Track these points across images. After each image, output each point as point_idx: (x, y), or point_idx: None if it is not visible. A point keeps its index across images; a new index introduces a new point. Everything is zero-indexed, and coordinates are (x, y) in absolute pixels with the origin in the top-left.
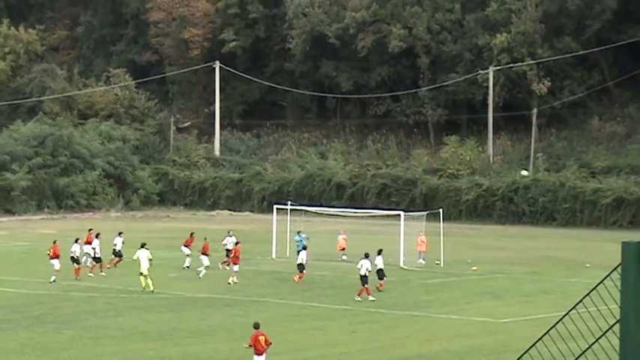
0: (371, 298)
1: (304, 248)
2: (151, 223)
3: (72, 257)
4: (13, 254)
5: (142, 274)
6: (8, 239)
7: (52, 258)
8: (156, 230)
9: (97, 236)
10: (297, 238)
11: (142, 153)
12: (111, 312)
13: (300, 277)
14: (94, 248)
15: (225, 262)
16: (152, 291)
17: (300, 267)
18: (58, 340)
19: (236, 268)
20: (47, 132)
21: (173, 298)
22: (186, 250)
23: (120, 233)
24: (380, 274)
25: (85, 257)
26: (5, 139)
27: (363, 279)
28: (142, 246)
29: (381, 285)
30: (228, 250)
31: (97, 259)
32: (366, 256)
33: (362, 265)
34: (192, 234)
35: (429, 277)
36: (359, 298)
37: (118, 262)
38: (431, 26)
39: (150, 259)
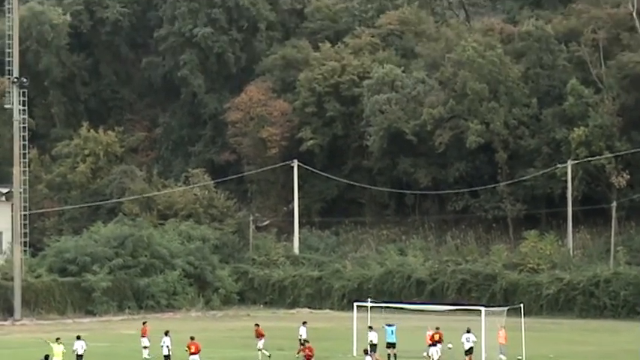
0: None
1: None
2: (231, 322)
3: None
4: (95, 355)
5: None
6: (89, 340)
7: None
8: (236, 329)
9: (166, 334)
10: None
11: (221, 252)
12: None
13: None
14: (168, 347)
15: (299, 351)
16: None
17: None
18: None
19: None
20: (127, 233)
21: None
22: (144, 341)
23: (166, 332)
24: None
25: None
26: (86, 241)
27: (469, 351)
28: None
29: None
30: (304, 340)
31: (166, 357)
32: (468, 331)
33: (468, 340)
34: (144, 323)
35: None
36: None
37: None
38: (508, 121)
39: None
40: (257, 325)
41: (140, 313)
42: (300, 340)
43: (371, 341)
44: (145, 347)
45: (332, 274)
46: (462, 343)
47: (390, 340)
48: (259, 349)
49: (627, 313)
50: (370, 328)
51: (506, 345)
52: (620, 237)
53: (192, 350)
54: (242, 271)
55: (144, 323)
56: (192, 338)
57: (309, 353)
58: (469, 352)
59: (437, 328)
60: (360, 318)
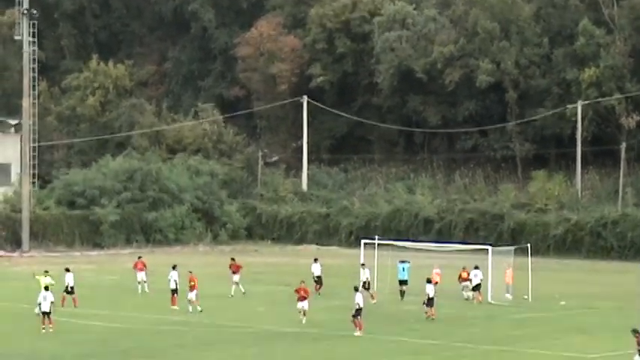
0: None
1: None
2: (239, 257)
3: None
4: (102, 288)
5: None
6: (97, 273)
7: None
8: (243, 264)
9: (174, 268)
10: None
11: (229, 187)
12: (200, 346)
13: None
14: (175, 280)
15: (316, 288)
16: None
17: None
18: None
19: (192, 295)
20: (136, 167)
21: (261, 332)
22: (140, 276)
23: (174, 267)
24: (428, 302)
25: (139, 285)
26: (94, 174)
27: (477, 287)
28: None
29: (427, 313)
30: (317, 277)
31: (173, 291)
32: (476, 267)
33: (476, 276)
34: (139, 257)
35: (517, 312)
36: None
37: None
38: (519, 60)
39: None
40: (233, 259)
41: (148, 247)
42: (313, 277)
43: (367, 279)
44: (140, 282)
45: (340, 211)
46: (470, 279)
47: (401, 278)
48: (235, 283)
49: (634, 255)
50: (363, 265)
51: (513, 284)
52: (628, 178)
53: (192, 284)
54: (250, 207)
55: (139, 258)
56: (190, 272)
57: (304, 294)
58: (477, 288)
59: (476, 267)
60: (367, 255)
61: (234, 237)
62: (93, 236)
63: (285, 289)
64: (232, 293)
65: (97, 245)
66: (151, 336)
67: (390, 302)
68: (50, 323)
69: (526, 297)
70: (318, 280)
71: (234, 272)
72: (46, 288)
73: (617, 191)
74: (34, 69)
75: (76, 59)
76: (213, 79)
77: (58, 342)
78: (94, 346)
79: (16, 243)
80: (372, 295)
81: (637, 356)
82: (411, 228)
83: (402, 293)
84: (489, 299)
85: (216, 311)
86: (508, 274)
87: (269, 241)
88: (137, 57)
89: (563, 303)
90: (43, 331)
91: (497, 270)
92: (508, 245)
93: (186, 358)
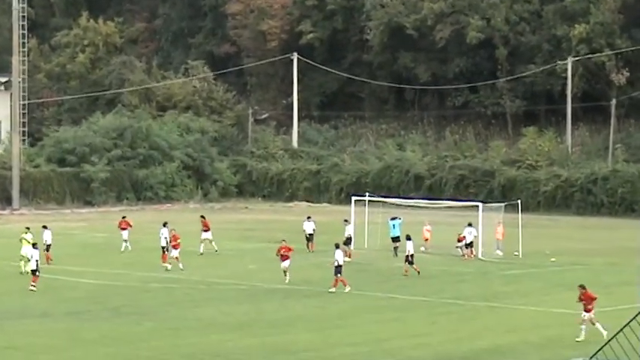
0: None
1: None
2: (230, 214)
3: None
4: (92, 245)
5: None
6: (87, 230)
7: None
8: (234, 222)
9: (164, 225)
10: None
11: (220, 145)
12: (189, 303)
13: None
14: (166, 238)
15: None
16: None
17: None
18: (137, 332)
19: (175, 253)
20: (126, 124)
21: (251, 289)
22: (124, 234)
23: (165, 224)
24: (408, 260)
25: (124, 243)
26: (84, 132)
27: (470, 244)
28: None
29: (407, 271)
30: (309, 235)
31: (163, 248)
32: (470, 225)
33: (470, 233)
34: (123, 217)
35: (507, 268)
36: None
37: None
38: (509, 17)
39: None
40: (202, 217)
41: (138, 205)
42: (305, 235)
43: (349, 235)
44: (125, 241)
45: (330, 168)
46: (463, 235)
47: (393, 235)
48: (209, 240)
49: (624, 211)
50: (346, 221)
51: (503, 241)
52: (618, 134)
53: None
54: (240, 164)
55: (123, 217)
56: (173, 230)
57: (286, 253)
58: (470, 245)
59: (469, 224)
60: (358, 212)
61: (224, 194)
62: (83, 194)
63: (275, 247)
64: (201, 251)
65: (88, 203)
66: (141, 293)
67: (381, 259)
68: (34, 281)
69: (516, 253)
70: (310, 238)
71: (204, 230)
72: (34, 245)
73: (607, 147)
74: (23, 26)
75: (65, 16)
76: (203, 36)
77: (49, 299)
78: (84, 303)
79: (6, 201)
80: (348, 254)
81: (584, 313)
82: (402, 185)
83: (396, 250)
84: (480, 256)
85: (207, 268)
86: (498, 231)
87: (259, 199)
88: (127, 14)
89: (553, 259)
90: (32, 289)
91: (487, 227)
92: (498, 202)
93: (177, 315)
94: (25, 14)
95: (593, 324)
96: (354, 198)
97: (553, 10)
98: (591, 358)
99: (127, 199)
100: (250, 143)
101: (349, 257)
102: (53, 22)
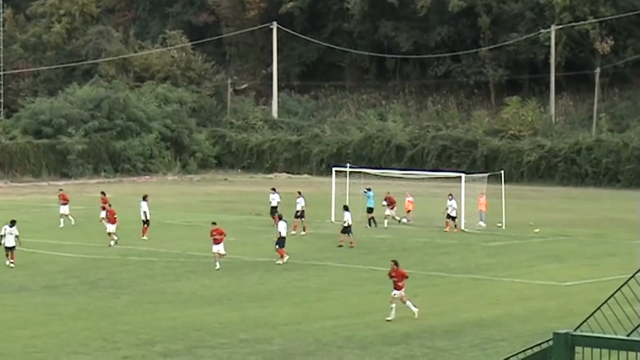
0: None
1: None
2: (209, 186)
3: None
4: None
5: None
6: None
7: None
8: (213, 194)
9: (144, 199)
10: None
11: (199, 115)
12: (169, 276)
13: (341, 241)
14: (145, 212)
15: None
16: None
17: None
18: (115, 305)
19: (112, 228)
20: (103, 95)
21: (232, 262)
22: (64, 209)
23: (144, 197)
24: (346, 229)
25: (62, 218)
26: (61, 103)
27: (451, 218)
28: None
29: (342, 241)
30: (297, 212)
31: (144, 222)
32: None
33: (450, 207)
34: (60, 190)
35: (491, 239)
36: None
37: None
38: None
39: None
40: (60, 190)
41: (116, 177)
42: (297, 212)
43: (302, 207)
44: (62, 215)
45: (311, 138)
46: (447, 208)
47: (369, 205)
48: (66, 215)
49: (609, 181)
50: (273, 190)
51: (486, 212)
52: (603, 104)
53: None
54: (219, 135)
55: (60, 190)
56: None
57: (218, 237)
58: (451, 218)
59: (483, 194)
60: (339, 183)
61: (203, 166)
62: (60, 166)
63: (255, 219)
64: (62, 224)
65: (65, 175)
66: (120, 267)
67: (362, 231)
68: (12, 258)
69: (500, 224)
70: (273, 211)
71: (63, 203)
72: (12, 222)
73: (591, 117)
74: None
75: None
76: (181, 5)
77: (26, 273)
78: (62, 277)
79: None
80: (303, 227)
81: (394, 291)
82: (383, 155)
83: (370, 220)
84: (462, 227)
85: (186, 241)
86: (481, 202)
87: (239, 170)
88: None
89: (537, 230)
90: (11, 265)
91: (470, 197)
92: (481, 172)
93: (156, 288)
94: None
95: (404, 302)
96: (334, 169)
97: None
98: (576, 329)
99: (105, 171)
100: (229, 114)
101: (304, 230)
102: None
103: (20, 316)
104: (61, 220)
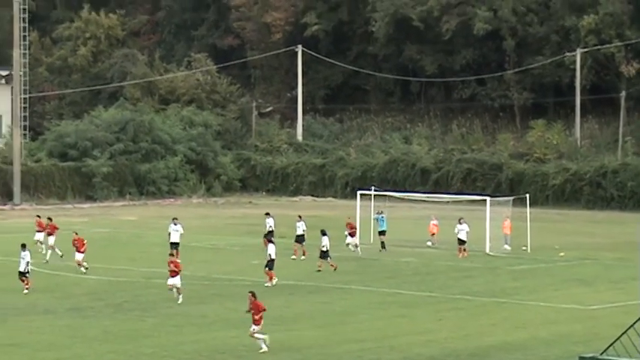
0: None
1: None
2: (233, 209)
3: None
4: (94, 241)
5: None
6: (89, 226)
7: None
8: (238, 217)
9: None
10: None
11: (223, 138)
12: (193, 299)
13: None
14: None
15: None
16: None
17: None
18: (140, 328)
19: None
20: (128, 117)
21: (256, 286)
22: (39, 236)
23: (174, 219)
24: (324, 255)
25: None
26: (87, 126)
27: (460, 241)
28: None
29: (320, 266)
30: (298, 236)
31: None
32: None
33: (460, 230)
34: (38, 216)
35: (516, 263)
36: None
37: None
38: (516, 8)
39: None
40: (49, 218)
41: (141, 199)
42: (297, 236)
43: (270, 227)
44: (36, 242)
45: (335, 161)
46: (457, 232)
47: (380, 229)
48: (40, 242)
49: (634, 205)
50: (267, 214)
51: (511, 235)
52: (628, 127)
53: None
54: (244, 158)
55: (38, 217)
56: (76, 233)
57: (175, 269)
58: (461, 242)
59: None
60: (364, 206)
61: (228, 189)
62: (85, 189)
63: (280, 242)
64: (47, 258)
65: (90, 198)
66: (145, 290)
67: (387, 254)
68: (27, 284)
69: (525, 248)
70: (297, 240)
71: (49, 234)
72: (23, 246)
73: (616, 140)
74: (24, 19)
75: (67, 9)
76: (206, 28)
77: (52, 296)
78: (87, 299)
79: (7, 196)
80: (303, 252)
81: (253, 326)
82: (408, 179)
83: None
84: (488, 250)
85: (211, 264)
86: (506, 225)
87: (263, 193)
88: (129, 6)
89: (562, 254)
90: (24, 291)
91: (495, 221)
92: (506, 196)
93: (180, 311)
94: (26, 7)
95: (252, 336)
96: (359, 192)
97: (561, 0)
98: (602, 353)
99: (130, 193)
100: (254, 137)
101: (304, 255)
102: (54, 15)
103: (45, 339)
104: (48, 251)
